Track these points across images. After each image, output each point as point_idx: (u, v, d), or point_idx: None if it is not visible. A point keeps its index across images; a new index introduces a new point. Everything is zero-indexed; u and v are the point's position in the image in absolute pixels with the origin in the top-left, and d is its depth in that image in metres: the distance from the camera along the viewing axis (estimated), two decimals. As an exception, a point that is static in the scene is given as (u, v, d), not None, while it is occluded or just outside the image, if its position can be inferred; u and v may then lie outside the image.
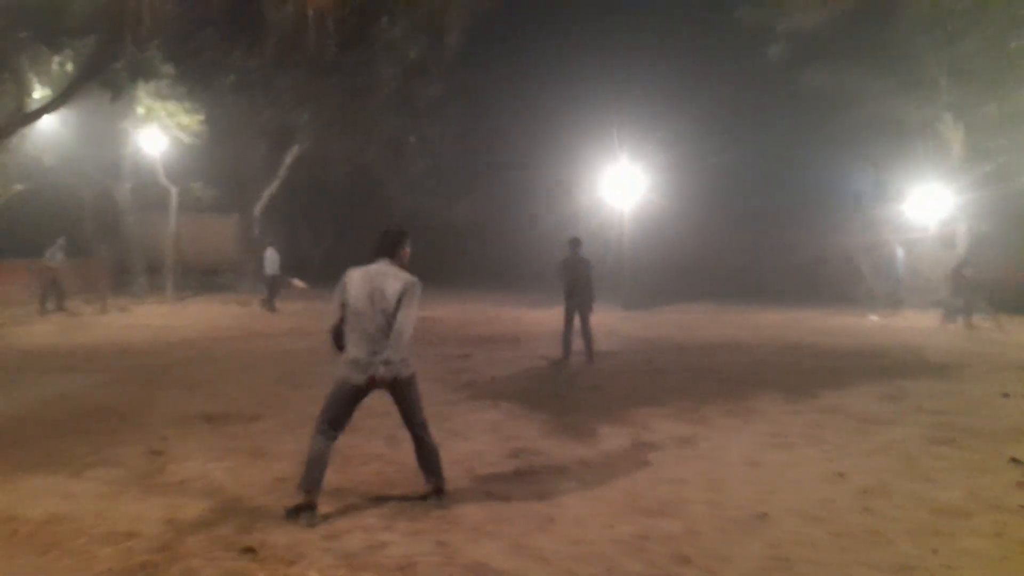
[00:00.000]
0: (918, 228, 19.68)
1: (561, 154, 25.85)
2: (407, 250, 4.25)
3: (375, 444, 5.40)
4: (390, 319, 3.94)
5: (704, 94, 23.24)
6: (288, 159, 22.82)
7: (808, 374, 8.95)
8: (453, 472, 4.58)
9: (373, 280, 4.02)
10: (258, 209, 23.17)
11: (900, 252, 19.55)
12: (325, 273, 28.39)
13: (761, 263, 26.01)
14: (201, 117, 18.75)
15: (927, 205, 19.15)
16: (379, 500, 4.24)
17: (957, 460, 5.14)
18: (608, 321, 14.07)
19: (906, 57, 18.47)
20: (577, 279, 9.65)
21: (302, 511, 3.89)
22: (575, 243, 9.87)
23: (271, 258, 16.76)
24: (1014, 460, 5.07)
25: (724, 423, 6.33)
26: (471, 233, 30.31)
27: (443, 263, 15.31)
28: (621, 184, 19.49)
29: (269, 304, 16.50)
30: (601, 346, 10.27)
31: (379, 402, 6.94)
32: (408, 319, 3.97)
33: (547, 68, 27.94)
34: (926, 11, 14.89)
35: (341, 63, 20.83)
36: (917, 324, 15.19)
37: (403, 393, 4.13)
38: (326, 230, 30.32)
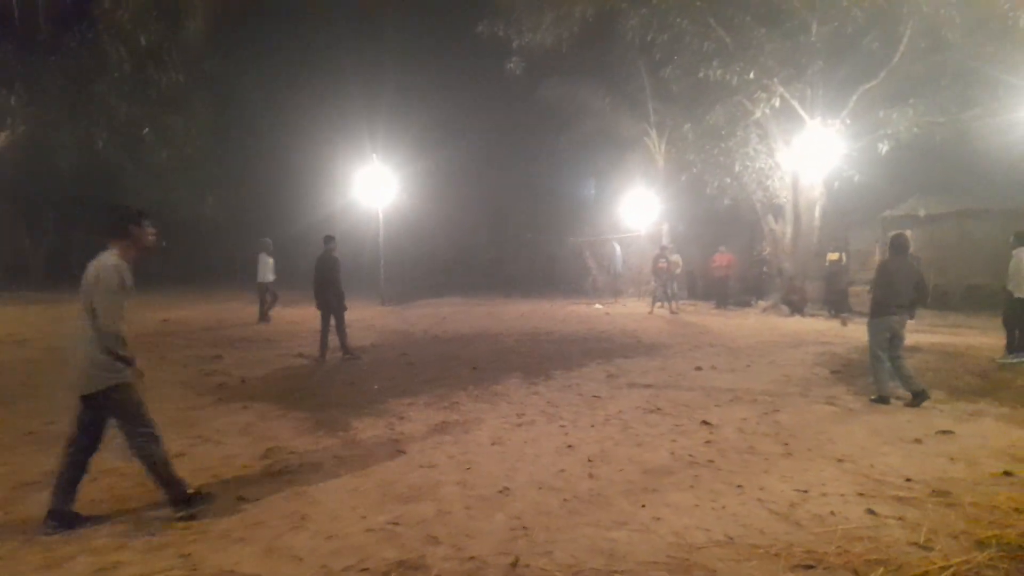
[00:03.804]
0: (632, 228, 22.50)
1: (318, 152, 25.27)
2: (141, 231, 3.74)
3: (106, 457, 4.87)
4: (92, 316, 3.56)
5: (453, 102, 24.19)
6: None
7: (546, 358, 9.80)
8: (201, 479, 4.35)
9: (86, 273, 3.62)
10: None
11: (618, 249, 22.32)
12: (48, 276, 24.38)
13: (507, 259, 27.93)
14: None
15: (639, 209, 21.98)
16: (112, 518, 3.88)
17: (663, 426, 6.03)
18: (366, 316, 14.08)
19: (622, 79, 20.98)
20: (328, 276, 9.74)
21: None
22: (329, 240, 9.96)
23: (264, 263, 14.28)
24: (704, 423, 6.09)
25: (473, 407, 6.72)
26: (223, 229, 28.10)
27: (192, 260, 13.95)
28: (375, 184, 19.54)
29: (263, 315, 14.16)
30: (358, 341, 10.26)
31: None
32: (103, 314, 3.54)
33: (300, 64, 26.98)
34: (634, 39, 16.92)
35: (60, 42, 18.11)
36: (633, 310, 17.39)
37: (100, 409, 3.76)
38: (49, 228, 26.06)
